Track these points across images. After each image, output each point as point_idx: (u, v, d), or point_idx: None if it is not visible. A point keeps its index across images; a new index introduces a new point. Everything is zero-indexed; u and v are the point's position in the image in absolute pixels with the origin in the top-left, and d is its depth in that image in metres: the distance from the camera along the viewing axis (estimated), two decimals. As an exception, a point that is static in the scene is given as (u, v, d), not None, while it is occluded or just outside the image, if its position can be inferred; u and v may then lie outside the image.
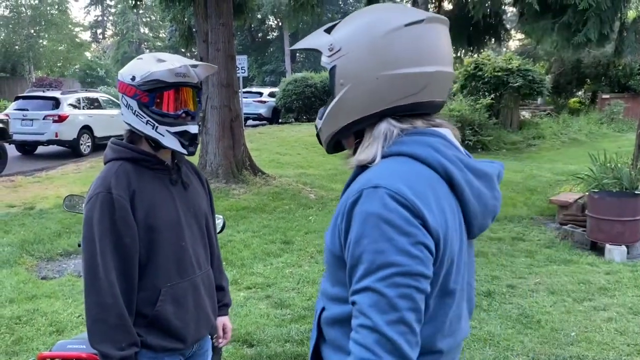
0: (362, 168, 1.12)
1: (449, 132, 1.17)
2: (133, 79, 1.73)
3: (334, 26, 1.18)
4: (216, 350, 3.04)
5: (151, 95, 1.72)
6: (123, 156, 1.78)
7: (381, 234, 0.97)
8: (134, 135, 1.82)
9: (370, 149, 1.11)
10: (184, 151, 1.78)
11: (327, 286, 1.17)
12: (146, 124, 1.74)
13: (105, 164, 1.81)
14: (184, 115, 1.77)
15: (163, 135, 1.75)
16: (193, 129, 1.78)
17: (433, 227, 1.00)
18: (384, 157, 1.09)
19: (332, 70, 1.13)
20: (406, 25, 1.08)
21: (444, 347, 1.10)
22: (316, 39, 1.17)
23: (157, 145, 1.78)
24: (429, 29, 1.10)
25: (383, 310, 0.95)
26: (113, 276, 1.65)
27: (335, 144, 1.21)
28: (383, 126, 1.11)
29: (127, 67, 1.80)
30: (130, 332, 1.67)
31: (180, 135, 1.76)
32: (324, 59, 1.14)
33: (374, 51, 1.08)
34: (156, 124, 1.74)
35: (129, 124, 1.79)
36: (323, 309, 1.17)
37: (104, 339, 1.64)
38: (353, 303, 1.00)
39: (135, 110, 1.74)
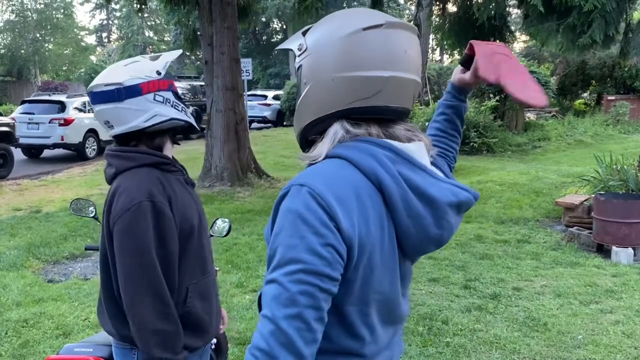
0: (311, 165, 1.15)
1: (410, 147, 1.13)
2: (159, 73, 1.73)
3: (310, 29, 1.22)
4: (222, 353, 3.04)
5: (169, 84, 1.78)
6: (146, 162, 1.72)
7: (296, 231, 1.00)
8: (132, 139, 1.76)
9: (319, 148, 1.14)
10: (197, 126, 1.89)
11: (266, 274, 1.22)
12: (181, 110, 1.79)
13: (118, 174, 1.72)
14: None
15: (189, 117, 1.83)
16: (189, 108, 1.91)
17: (347, 233, 1.01)
18: (328, 157, 1.11)
19: (299, 69, 1.18)
20: (364, 29, 1.10)
21: (370, 352, 1.15)
22: (293, 40, 1.21)
23: (189, 132, 1.86)
24: (388, 34, 1.10)
25: (283, 304, 0.97)
26: (164, 285, 1.64)
27: (308, 142, 1.23)
28: (335, 127, 1.13)
29: (134, 69, 1.73)
30: (182, 337, 1.68)
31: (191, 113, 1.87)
32: (295, 59, 1.19)
33: (332, 53, 1.11)
34: (184, 108, 1.81)
35: (172, 119, 1.75)
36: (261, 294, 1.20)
37: (166, 348, 1.62)
38: (262, 293, 1.04)
39: (173, 102, 1.76)
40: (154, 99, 1.72)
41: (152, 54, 1.87)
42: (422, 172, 1.10)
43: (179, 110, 1.77)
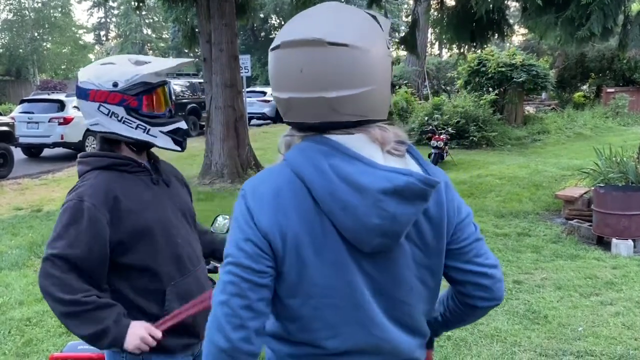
0: None
1: (347, 138, 1.11)
2: (115, 84, 1.69)
3: None
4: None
5: (139, 98, 1.71)
6: (98, 165, 1.74)
7: (231, 229, 1.15)
8: (108, 143, 1.78)
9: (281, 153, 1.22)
10: (178, 148, 1.81)
11: None
12: (136, 128, 1.72)
13: (79, 177, 1.76)
14: (169, 113, 1.80)
15: (156, 137, 1.75)
16: (183, 124, 1.83)
17: (264, 228, 1.10)
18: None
19: None
20: (271, 50, 1.12)
21: (333, 346, 1.16)
22: None
23: (145, 147, 1.79)
24: (283, 55, 1.10)
25: (220, 290, 1.12)
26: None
27: None
28: (287, 132, 1.21)
29: (96, 72, 1.73)
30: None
31: (174, 132, 1.79)
32: None
33: None
34: (148, 127, 1.73)
35: (112, 133, 1.73)
36: None
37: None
38: None
39: (122, 117, 1.70)
40: (98, 109, 1.71)
41: (152, 57, 1.83)
42: (357, 161, 1.08)
43: (130, 127, 1.71)
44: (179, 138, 1.80)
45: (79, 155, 1.84)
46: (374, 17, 1.14)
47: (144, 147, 1.78)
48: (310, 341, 1.17)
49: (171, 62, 1.84)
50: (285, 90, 1.11)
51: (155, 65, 1.74)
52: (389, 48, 1.13)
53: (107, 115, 1.70)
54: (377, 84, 1.10)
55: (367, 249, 1.11)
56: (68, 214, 1.66)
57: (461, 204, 1.24)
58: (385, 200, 1.06)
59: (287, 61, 1.09)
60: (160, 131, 1.75)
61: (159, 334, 1.69)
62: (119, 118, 1.70)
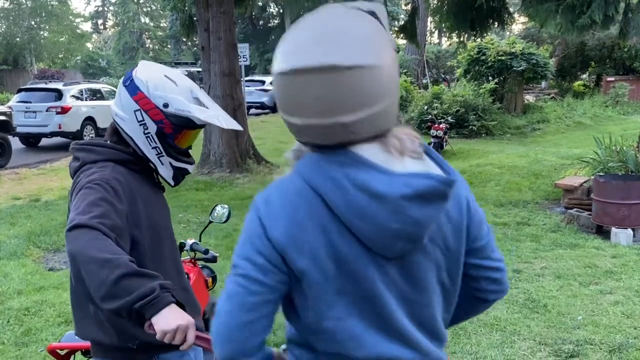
0: None
1: (360, 147, 1.08)
2: (166, 105, 1.65)
3: None
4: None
5: (175, 128, 1.68)
6: (113, 158, 1.69)
7: (241, 239, 1.13)
8: (118, 135, 1.74)
9: (291, 163, 1.19)
10: (172, 183, 1.82)
11: None
12: (153, 148, 1.70)
13: (83, 166, 1.68)
14: (188, 150, 1.81)
15: (163, 164, 1.74)
16: (191, 168, 1.83)
17: (278, 241, 1.08)
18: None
19: None
20: (279, 73, 1.06)
21: (362, 355, 1.13)
22: None
23: (146, 162, 1.75)
24: (294, 82, 1.04)
25: (226, 297, 1.10)
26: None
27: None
28: (297, 144, 1.17)
29: (156, 81, 1.67)
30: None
31: (179, 170, 1.78)
32: None
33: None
34: (163, 153, 1.72)
35: (129, 136, 1.69)
36: None
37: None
38: None
39: (149, 133, 1.67)
40: (135, 112, 1.67)
41: (211, 103, 1.76)
42: (373, 170, 1.06)
43: (149, 144, 1.68)
44: (179, 176, 1.81)
45: (74, 142, 1.79)
46: (373, 13, 1.08)
47: (145, 160, 1.75)
48: (336, 352, 1.14)
49: (224, 122, 1.75)
50: (297, 116, 1.06)
51: (206, 114, 1.69)
52: (393, 48, 1.10)
53: (139, 122, 1.67)
54: (392, 95, 1.07)
55: (390, 254, 1.09)
56: (96, 191, 1.54)
57: (476, 202, 1.24)
58: (406, 205, 1.04)
59: (299, 88, 1.03)
60: (170, 162, 1.75)
61: (192, 338, 1.42)
62: (146, 132, 1.67)
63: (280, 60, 1.05)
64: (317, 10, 1.09)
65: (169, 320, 1.35)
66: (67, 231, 1.44)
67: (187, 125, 1.69)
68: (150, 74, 1.69)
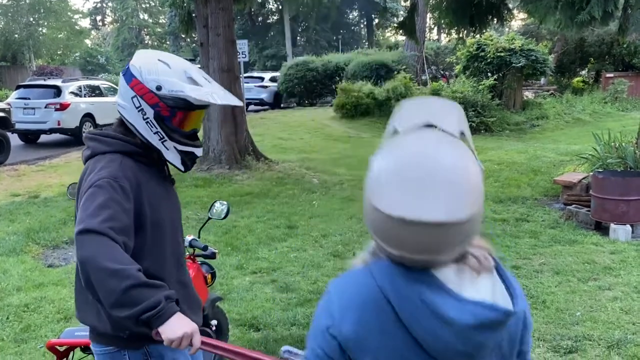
0: None
1: (451, 269, 1.11)
2: (159, 88, 1.66)
3: None
4: (222, 333, 3.06)
5: (172, 110, 1.69)
6: (121, 149, 1.72)
7: (313, 326, 1.18)
8: (124, 126, 1.76)
9: (361, 256, 1.20)
10: (182, 168, 1.80)
11: None
12: (154, 133, 1.71)
13: (93, 156, 1.72)
14: (193, 133, 1.79)
15: (168, 149, 1.74)
16: (198, 152, 1.82)
17: (345, 336, 1.12)
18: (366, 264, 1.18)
19: None
20: (383, 213, 1.04)
21: None
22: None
23: (153, 151, 1.75)
24: (400, 227, 1.04)
25: None
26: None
27: None
28: (375, 244, 1.16)
29: (149, 66, 1.69)
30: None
31: (186, 154, 1.78)
32: None
33: (366, 210, 1.11)
34: (166, 138, 1.72)
35: (132, 124, 1.72)
36: None
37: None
38: None
39: (147, 118, 1.69)
40: (132, 98, 1.69)
41: (206, 81, 1.74)
42: (445, 293, 1.09)
43: (150, 130, 1.70)
44: (188, 161, 1.80)
45: (88, 131, 1.83)
46: (463, 135, 1.10)
47: (152, 150, 1.76)
48: None
49: (218, 99, 1.72)
50: (394, 249, 1.08)
51: (199, 92, 1.69)
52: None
53: (137, 108, 1.69)
54: (479, 226, 1.09)
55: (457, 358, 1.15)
56: (105, 190, 1.58)
57: (530, 312, 1.28)
58: (471, 333, 1.09)
59: (403, 232, 1.04)
60: (175, 147, 1.74)
61: (198, 343, 1.55)
62: (145, 117, 1.69)
63: (386, 198, 1.03)
64: (417, 136, 1.08)
65: (174, 329, 1.49)
66: (76, 234, 1.52)
67: (185, 106, 1.69)
68: (144, 60, 1.72)
